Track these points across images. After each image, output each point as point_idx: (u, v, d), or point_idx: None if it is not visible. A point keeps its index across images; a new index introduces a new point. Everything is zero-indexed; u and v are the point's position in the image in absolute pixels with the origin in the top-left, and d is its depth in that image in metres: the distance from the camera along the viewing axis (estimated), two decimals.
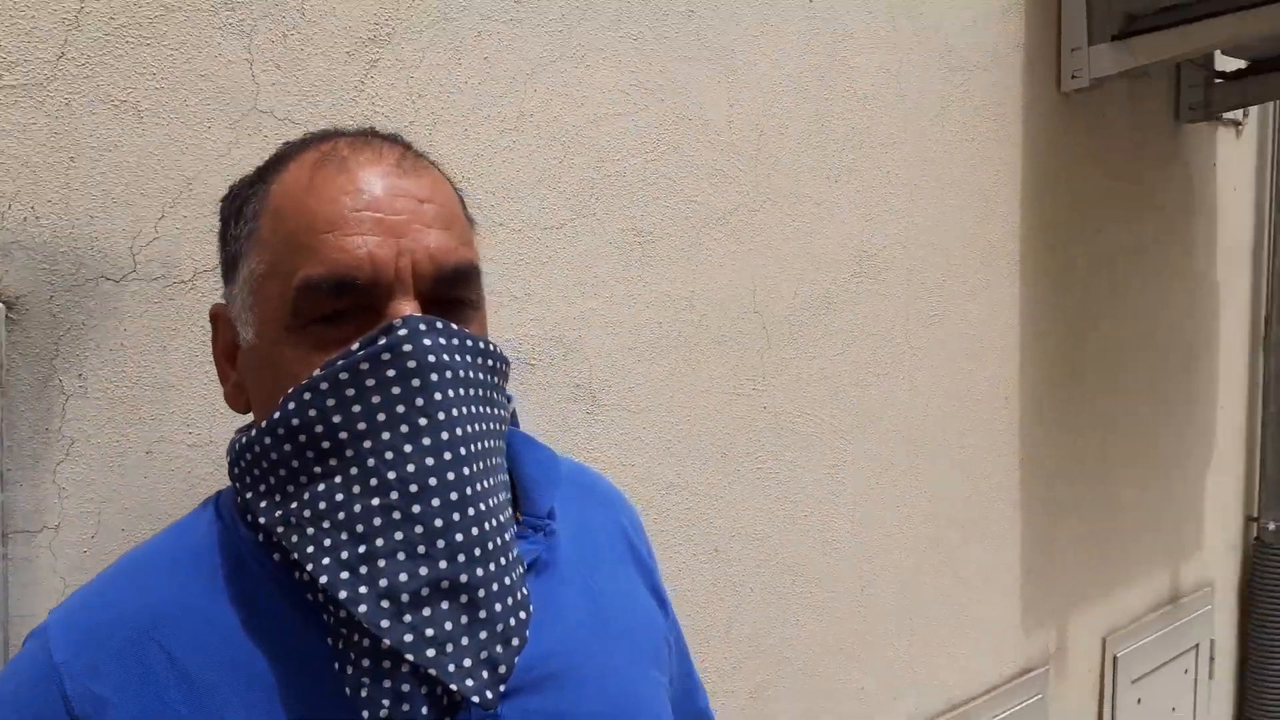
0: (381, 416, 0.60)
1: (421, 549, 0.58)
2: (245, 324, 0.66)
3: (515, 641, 0.61)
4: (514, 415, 0.85)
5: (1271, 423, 2.54)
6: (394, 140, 0.70)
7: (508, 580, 0.61)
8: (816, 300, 1.42)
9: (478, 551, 0.60)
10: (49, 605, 0.79)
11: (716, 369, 1.29)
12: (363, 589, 0.57)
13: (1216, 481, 2.46)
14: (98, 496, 0.84)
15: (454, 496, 0.60)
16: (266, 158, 0.70)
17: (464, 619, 0.59)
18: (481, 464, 0.63)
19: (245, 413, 0.70)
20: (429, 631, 0.57)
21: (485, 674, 0.59)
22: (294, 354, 0.63)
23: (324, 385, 0.60)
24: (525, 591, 0.63)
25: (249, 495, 0.63)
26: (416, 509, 0.59)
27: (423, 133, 1.01)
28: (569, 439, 1.13)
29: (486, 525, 0.61)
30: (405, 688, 0.58)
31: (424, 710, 0.58)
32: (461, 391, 0.63)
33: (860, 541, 1.51)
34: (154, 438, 0.86)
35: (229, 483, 0.68)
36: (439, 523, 0.59)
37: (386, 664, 0.58)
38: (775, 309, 1.36)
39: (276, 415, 0.61)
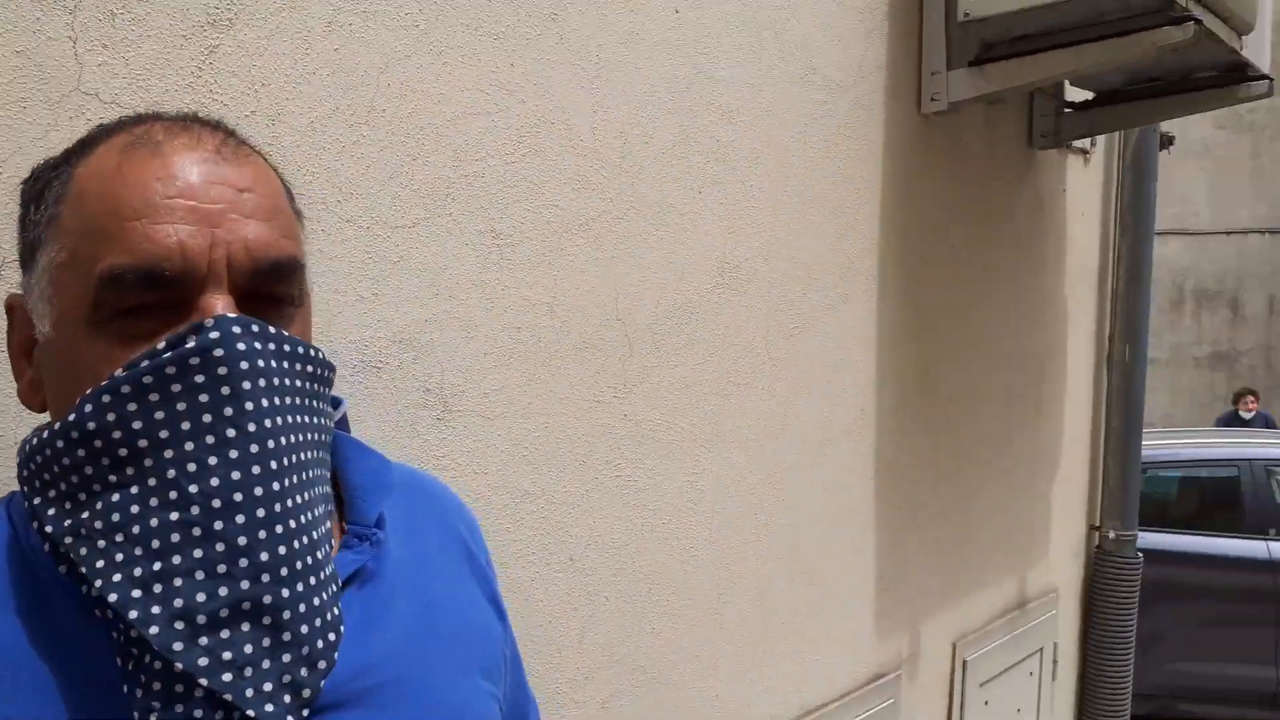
0: (187, 425, 0.56)
1: (222, 568, 0.55)
2: (42, 316, 0.62)
3: (322, 664, 0.58)
4: (345, 419, 0.82)
5: (1113, 436, 2.69)
6: (216, 126, 0.66)
7: (317, 600, 0.59)
8: (679, 309, 1.42)
9: (284, 571, 0.57)
10: None
11: (577, 376, 1.27)
12: (155, 609, 0.54)
13: (1062, 491, 2.58)
14: None
15: (261, 513, 0.57)
16: None
17: (266, 641, 0.56)
18: (296, 477, 0.60)
19: (42, 411, 0.65)
20: (226, 655, 0.54)
21: (287, 698, 0.56)
22: (94, 351, 0.59)
23: (125, 388, 0.56)
24: (338, 611, 0.61)
25: (37, 501, 0.59)
26: (219, 526, 0.55)
27: (264, 125, 0.96)
28: (417, 445, 1.09)
29: (296, 543, 0.58)
30: (198, 714, 0.54)
31: None
32: (277, 400, 0.60)
33: (718, 549, 1.52)
34: None
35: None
36: (243, 540, 0.56)
37: (179, 688, 0.54)
38: (638, 317, 1.36)
39: (72, 417, 0.57)
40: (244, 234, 0.61)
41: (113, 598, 0.54)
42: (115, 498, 0.56)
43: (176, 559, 0.55)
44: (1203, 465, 5.83)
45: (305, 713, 0.57)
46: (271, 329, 0.61)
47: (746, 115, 1.49)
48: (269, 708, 0.55)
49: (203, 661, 0.54)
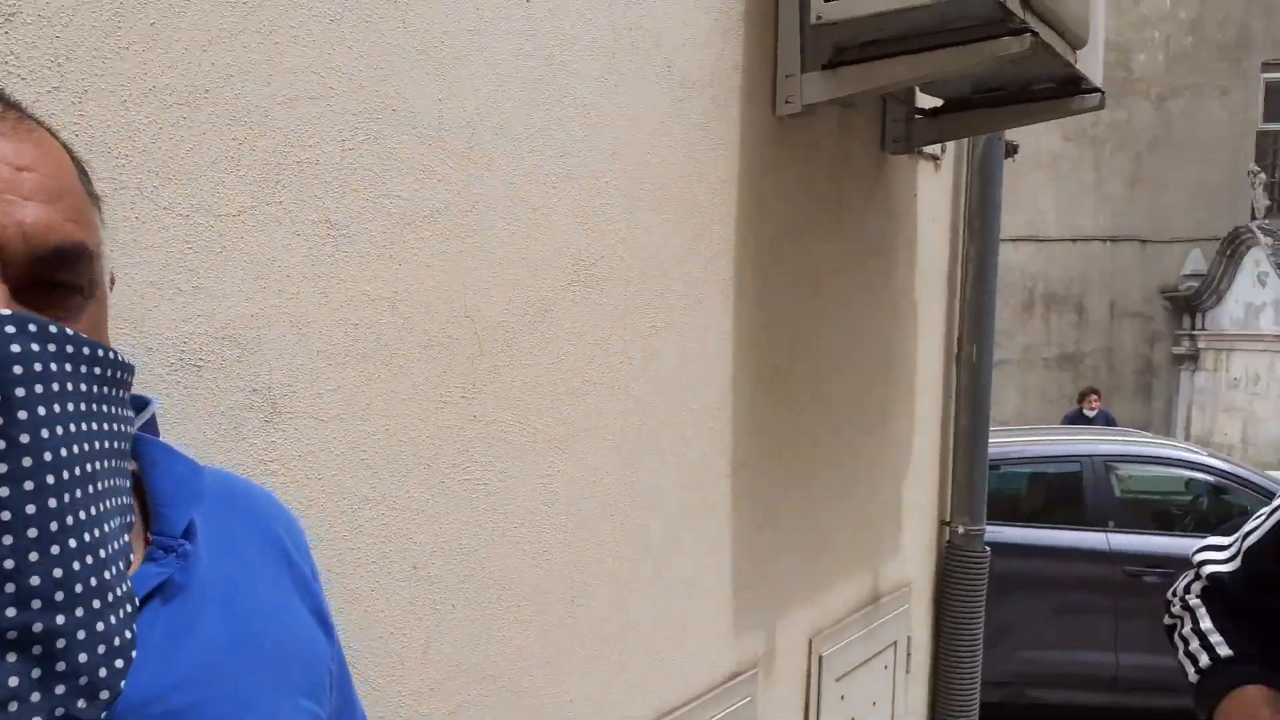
0: None
1: None
2: None
3: (104, 694, 0.54)
4: (153, 422, 0.76)
5: (962, 434, 2.79)
6: None
7: (101, 625, 0.54)
8: (532, 307, 1.39)
9: (60, 596, 0.52)
10: None
11: (421, 375, 1.23)
12: None
13: (914, 488, 2.66)
14: None
15: (33, 533, 0.52)
16: None
17: (36, 673, 0.51)
18: (79, 492, 0.55)
19: None
20: None
21: None
22: None
23: None
24: (129, 635, 0.56)
25: None
26: None
27: (69, 103, 0.89)
28: (243, 450, 1.03)
29: (77, 564, 0.53)
30: None
31: None
32: (57, 407, 0.54)
33: (572, 552, 1.49)
34: None
35: None
36: (9, 564, 0.51)
37: None
38: (488, 314, 1.32)
39: None
40: (20, 216, 0.56)
41: None
42: None
43: None
44: (1049, 462, 6.14)
45: None
46: (52, 327, 0.55)
47: (601, 111, 1.47)
48: None
49: None
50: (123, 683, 0.55)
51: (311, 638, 0.78)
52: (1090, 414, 9.47)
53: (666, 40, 1.59)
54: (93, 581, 0.54)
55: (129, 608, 0.57)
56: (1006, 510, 5.60)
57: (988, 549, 2.84)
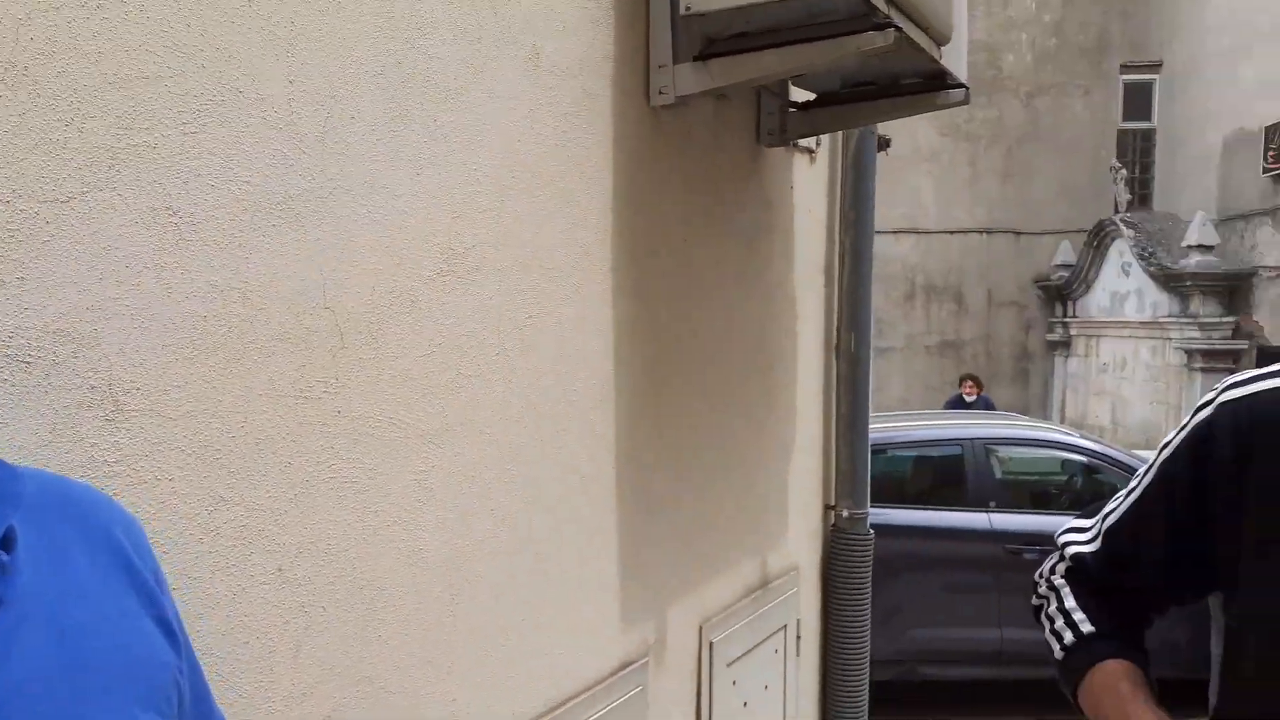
0: None
1: None
2: None
3: None
4: None
5: (843, 420, 2.84)
6: None
7: None
8: (399, 298, 1.35)
9: None
10: None
11: (278, 369, 1.18)
12: None
13: (799, 474, 2.70)
14: None
15: None
16: None
17: None
18: None
19: None
20: None
21: None
22: None
23: None
24: None
25: None
26: None
27: None
28: (82, 451, 0.97)
29: None
30: None
31: None
32: None
33: (451, 548, 1.46)
34: None
35: None
36: None
37: None
38: (350, 305, 1.27)
39: None
40: None
41: None
42: None
43: None
44: (932, 445, 6.35)
45: None
46: None
47: (467, 97, 1.44)
48: None
49: None
50: None
51: (153, 647, 0.74)
52: (970, 399, 9.84)
53: (534, 26, 1.57)
54: None
55: None
56: (893, 493, 5.77)
57: (872, 531, 2.91)
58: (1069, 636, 1.20)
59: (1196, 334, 10.67)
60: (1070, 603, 1.22)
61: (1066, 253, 13.54)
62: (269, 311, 1.16)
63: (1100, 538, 1.22)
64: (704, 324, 2.16)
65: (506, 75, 1.52)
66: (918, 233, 14.19)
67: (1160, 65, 13.67)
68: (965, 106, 2.32)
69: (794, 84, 2.30)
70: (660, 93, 1.84)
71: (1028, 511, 5.93)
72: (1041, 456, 6.39)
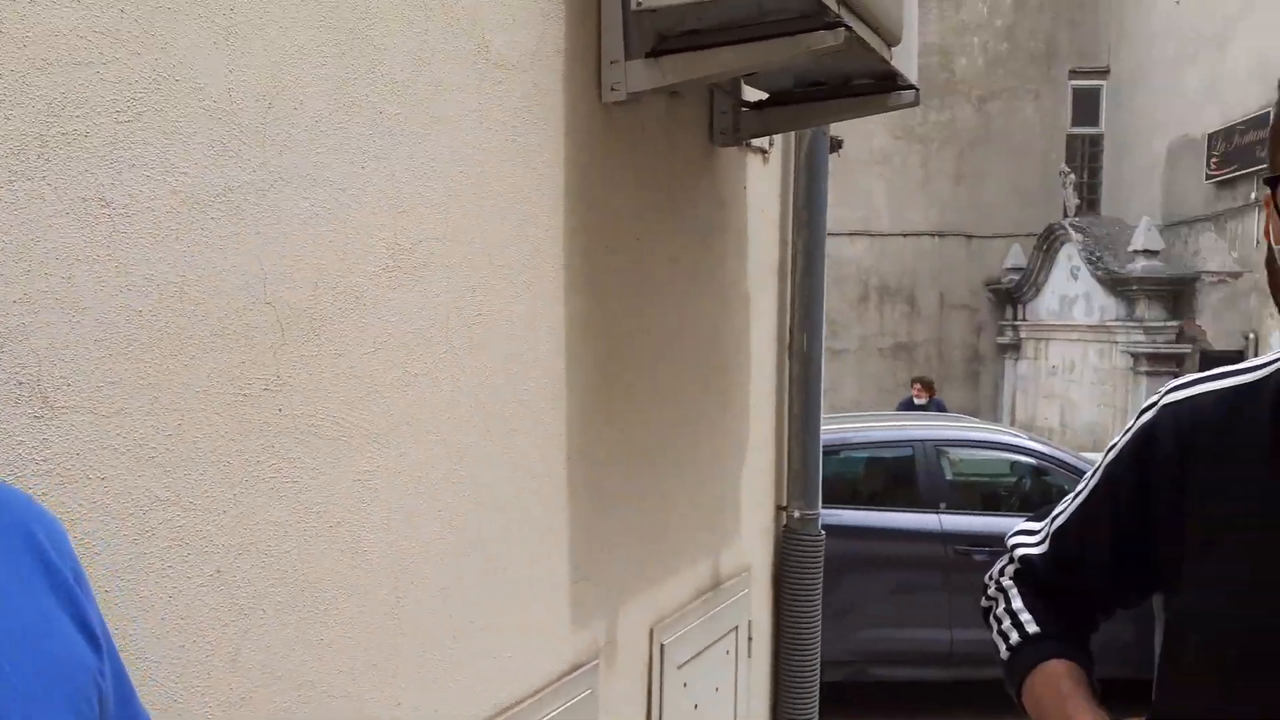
0: None
1: None
2: None
3: None
4: None
5: (795, 421, 2.85)
6: None
7: None
8: (343, 294, 1.32)
9: None
10: None
11: (217, 366, 1.15)
12: None
13: (751, 474, 2.71)
14: None
15: None
16: None
17: None
18: None
19: None
20: None
21: None
22: None
23: None
24: None
25: None
26: None
27: None
28: (8, 449, 0.93)
29: None
30: None
31: None
32: None
33: (396, 551, 1.44)
34: None
35: None
36: None
37: None
38: (292, 301, 1.24)
39: None
40: None
41: None
42: None
43: None
44: (884, 446, 6.39)
45: None
46: None
47: (414, 90, 1.42)
48: None
49: None
50: None
51: (71, 652, 0.72)
52: (921, 401, 9.95)
53: (482, 18, 1.55)
54: None
55: None
56: (845, 493, 5.80)
57: (823, 532, 2.92)
58: (1015, 637, 1.21)
59: (1142, 337, 10.89)
60: (1017, 604, 1.23)
61: (1017, 256, 13.76)
62: (207, 306, 1.13)
63: (1048, 540, 1.23)
64: (657, 320, 2.15)
65: (454, 68, 1.50)
66: (871, 235, 14.34)
67: (1107, 72, 13.96)
68: (918, 109, 2.34)
69: (747, 83, 2.30)
70: (612, 89, 1.83)
71: (978, 513, 6.00)
72: (991, 458, 6.47)
